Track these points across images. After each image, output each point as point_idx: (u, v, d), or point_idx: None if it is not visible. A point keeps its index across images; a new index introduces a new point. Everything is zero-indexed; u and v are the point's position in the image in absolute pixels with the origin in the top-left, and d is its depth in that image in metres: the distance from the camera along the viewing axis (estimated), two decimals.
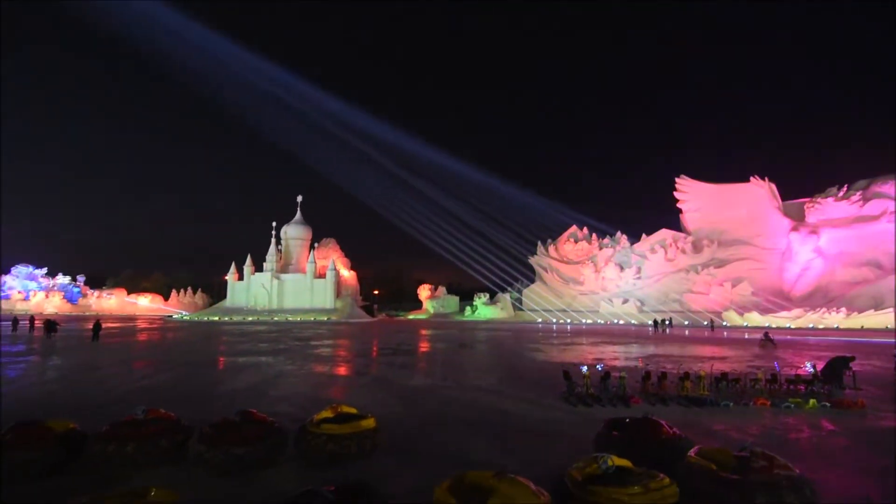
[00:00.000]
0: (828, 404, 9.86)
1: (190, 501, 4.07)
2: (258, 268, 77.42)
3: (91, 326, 31.27)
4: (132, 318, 69.53)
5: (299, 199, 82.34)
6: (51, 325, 30.55)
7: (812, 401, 9.97)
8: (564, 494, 4.36)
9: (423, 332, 39.84)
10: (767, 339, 24.62)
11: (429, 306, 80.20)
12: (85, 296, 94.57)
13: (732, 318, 53.09)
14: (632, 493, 4.04)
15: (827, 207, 56.53)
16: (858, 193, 54.88)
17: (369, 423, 6.67)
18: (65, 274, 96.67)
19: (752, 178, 60.68)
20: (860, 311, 46.71)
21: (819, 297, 53.18)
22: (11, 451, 5.58)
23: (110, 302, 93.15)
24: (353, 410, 7.02)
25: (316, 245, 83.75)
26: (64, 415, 7.22)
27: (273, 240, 78.18)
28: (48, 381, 13.67)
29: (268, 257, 77.10)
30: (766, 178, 60.51)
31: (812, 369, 11.67)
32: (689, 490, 4.59)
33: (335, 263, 77.52)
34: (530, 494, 3.93)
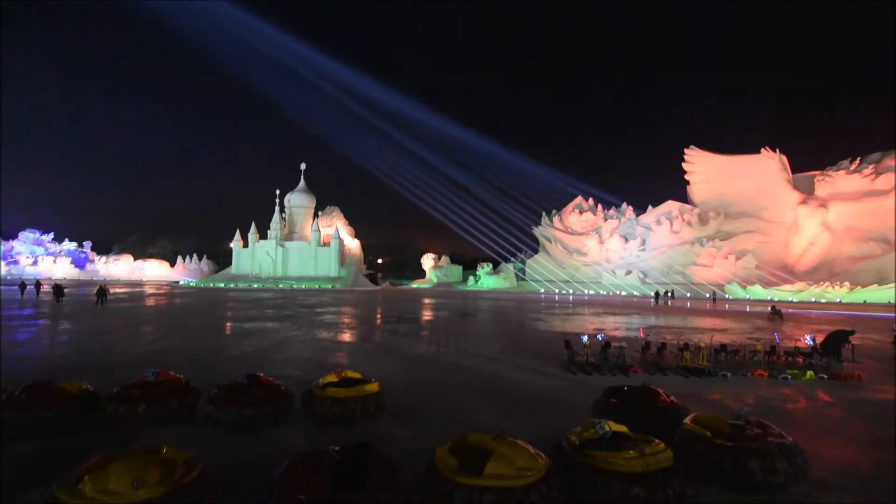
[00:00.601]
0: (825, 376, 9.98)
1: (201, 458, 4.22)
2: (262, 235, 77.71)
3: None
4: (139, 284, 70.46)
5: (303, 166, 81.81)
6: (59, 289, 31.13)
7: (809, 373, 10.08)
8: (562, 457, 4.49)
9: (427, 301, 40.25)
10: (775, 313, 24.66)
11: (432, 276, 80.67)
12: (92, 261, 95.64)
13: (735, 290, 53.21)
14: (627, 457, 4.16)
15: (838, 180, 55.61)
16: (871, 167, 53.82)
17: (373, 387, 6.83)
18: (71, 240, 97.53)
19: (762, 150, 59.55)
20: (864, 286, 46.67)
21: (823, 272, 53.05)
22: (26, 410, 5.77)
23: (118, 268, 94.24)
24: (358, 375, 7.18)
25: (320, 213, 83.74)
26: (75, 377, 7.42)
27: (277, 207, 78.14)
28: (59, 344, 13.99)
29: (272, 225, 77.28)
30: (777, 150, 59.37)
31: (811, 342, 11.76)
32: (684, 456, 4.71)
33: (339, 232, 77.62)
34: (529, 457, 4.05)
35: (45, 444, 5.64)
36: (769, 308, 26.28)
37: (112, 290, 36.17)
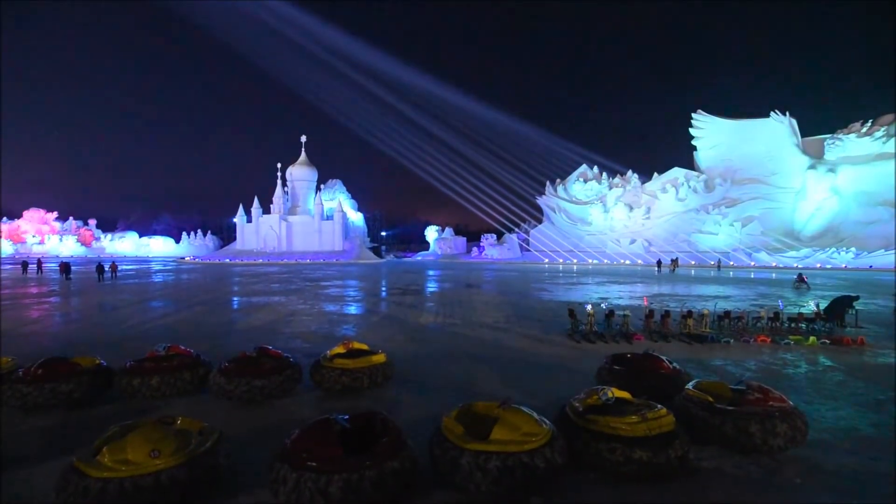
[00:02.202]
0: (828, 342, 10.05)
1: (215, 428, 4.34)
2: (265, 210, 77.65)
3: (109, 268, 32.54)
4: (146, 261, 71.14)
5: (303, 139, 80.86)
6: (67, 267, 31.56)
7: (812, 338, 10.15)
8: (566, 423, 4.59)
9: (431, 272, 40.44)
10: (801, 281, 24.47)
11: (436, 247, 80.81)
12: (98, 239, 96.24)
13: (740, 257, 53.09)
14: (629, 422, 4.24)
15: (848, 144, 54.42)
16: (882, 129, 52.54)
17: (380, 358, 6.95)
18: (75, 218, 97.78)
19: (772, 113, 58.15)
20: (870, 251, 46.41)
21: (830, 237, 52.63)
22: (43, 384, 5.93)
23: (123, 245, 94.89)
24: (365, 346, 7.29)
25: (322, 186, 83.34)
26: (88, 352, 7.59)
27: (279, 181, 77.72)
28: (71, 321, 14.24)
29: (275, 199, 77.09)
30: (787, 113, 57.96)
31: (815, 307, 11.80)
32: (686, 420, 4.81)
33: (342, 205, 77.44)
34: (533, 423, 4.14)
35: (63, 417, 5.82)
36: (796, 276, 25.90)
37: (119, 267, 36.47)
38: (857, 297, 12.45)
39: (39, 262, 39.26)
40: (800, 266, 46.71)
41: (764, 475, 4.32)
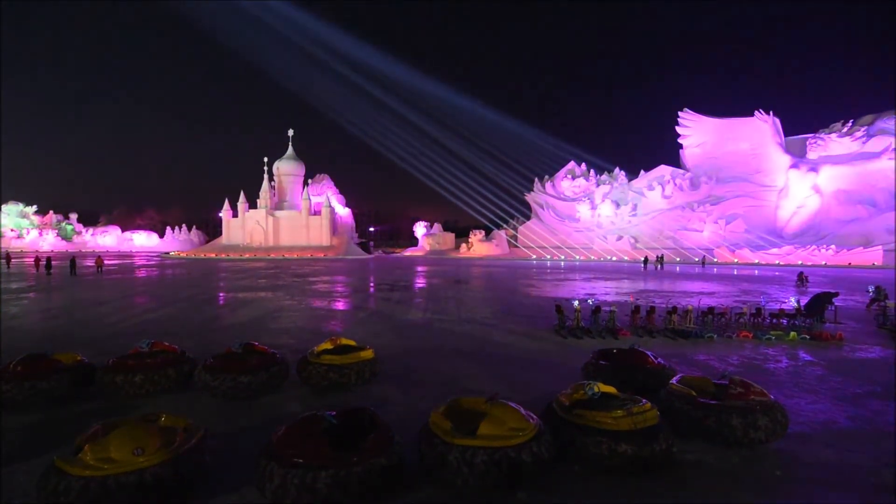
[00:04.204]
0: (807, 337, 10.27)
1: (200, 425, 4.29)
2: (252, 204, 76.69)
3: (94, 263, 32.04)
4: (129, 256, 69.91)
5: (290, 132, 79.91)
6: (48, 262, 30.92)
7: (792, 333, 10.37)
8: (553, 418, 4.63)
9: (420, 268, 40.38)
10: (801, 281, 25.02)
11: (424, 243, 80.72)
12: (79, 233, 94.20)
13: (724, 254, 53.96)
14: (615, 417, 4.30)
15: (829, 143, 55.58)
16: (863, 129, 53.72)
17: (368, 354, 6.93)
18: (56, 212, 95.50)
19: (756, 113, 59.06)
20: (849, 249, 47.51)
21: (811, 235, 53.74)
22: (22, 382, 5.80)
23: (106, 239, 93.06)
24: (352, 343, 7.26)
25: (309, 181, 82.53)
26: (69, 348, 7.44)
27: (266, 176, 76.77)
28: (51, 317, 13.94)
29: (261, 194, 76.14)
30: (771, 113, 58.92)
31: (795, 304, 12.04)
32: (670, 414, 4.89)
33: (330, 200, 76.82)
34: (520, 418, 4.17)
35: (43, 415, 5.70)
36: (798, 274, 26.33)
37: (105, 263, 35.80)
38: (836, 294, 12.72)
39: (8, 256, 38.94)
40: (781, 263, 47.65)
41: (745, 467, 4.41)
